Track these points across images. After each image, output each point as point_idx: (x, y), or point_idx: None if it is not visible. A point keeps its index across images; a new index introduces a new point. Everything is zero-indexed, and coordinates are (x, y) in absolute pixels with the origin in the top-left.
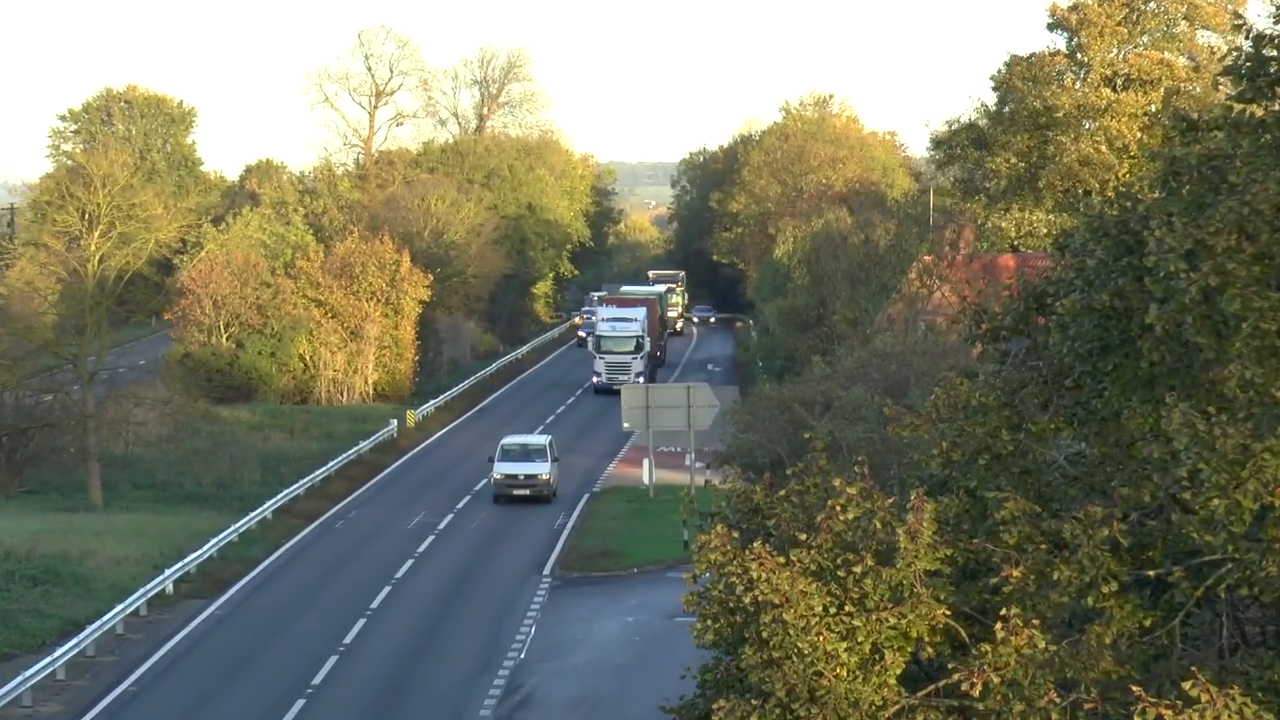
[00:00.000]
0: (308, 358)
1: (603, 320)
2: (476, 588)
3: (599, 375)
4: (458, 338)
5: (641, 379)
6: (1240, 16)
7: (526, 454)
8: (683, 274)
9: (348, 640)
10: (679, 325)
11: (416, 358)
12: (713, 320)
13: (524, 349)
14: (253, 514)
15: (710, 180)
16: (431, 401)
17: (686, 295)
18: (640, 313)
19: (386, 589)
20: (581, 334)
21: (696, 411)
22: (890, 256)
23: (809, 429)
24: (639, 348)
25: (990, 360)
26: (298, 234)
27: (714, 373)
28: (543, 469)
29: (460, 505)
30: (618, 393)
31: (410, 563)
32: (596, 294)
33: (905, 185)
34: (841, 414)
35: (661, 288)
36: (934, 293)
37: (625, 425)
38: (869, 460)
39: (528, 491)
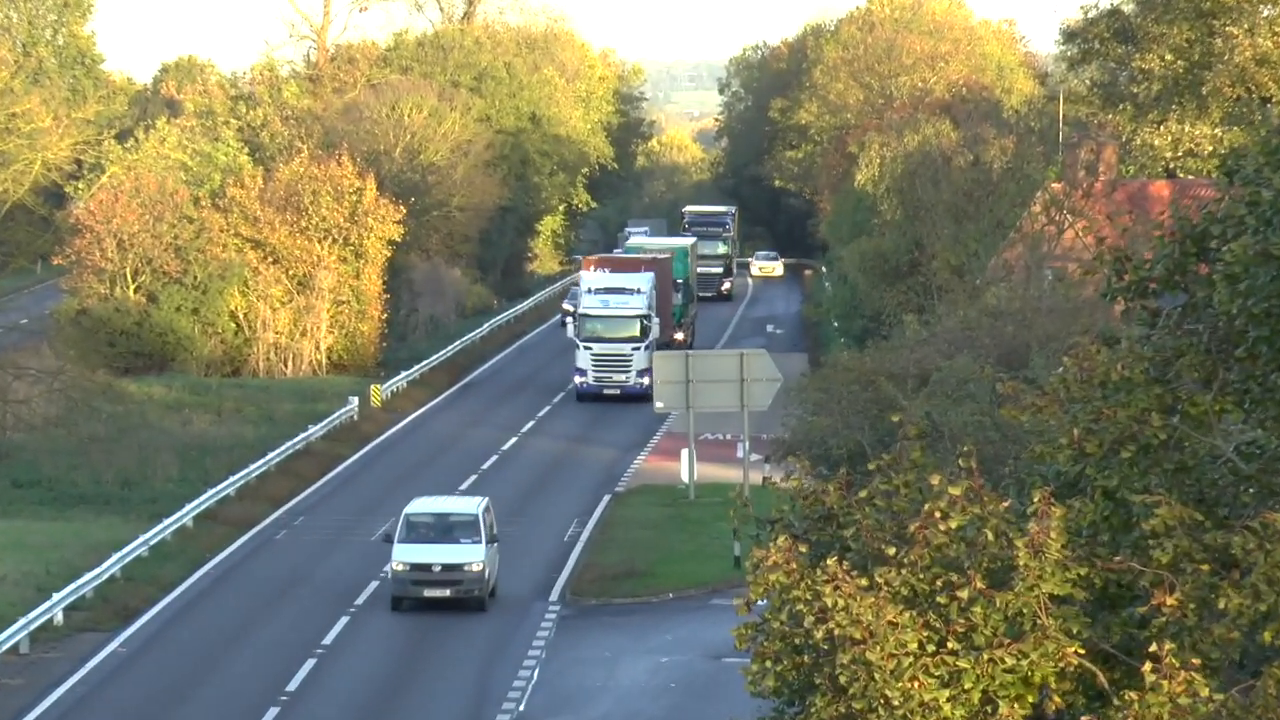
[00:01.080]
0: (241, 316)
1: (588, 292)
2: (461, 620)
3: (583, 374)
4: (438, 290)
5: (647, 379)
6: None
7: (446, 529)
8: (733, 211)
9: (291, 687)
10: (727, 286)
11: (384, 316)
12: (778, 272)
13: (525, 305)
14: (168, 521)
15: (771, 84)
16: (404, 373)
17: (737, 242)
18: (644, 280)
19: (343, 620)
20: (566, 308)
21: (753, 387)
22: (1007, 184)
23: (899, 410)
24: (643, 333)
25: (1137, 322)
26: (229, 154)
27: (776, 336)
28: (472, 555)
29: None
30: (615, 397)
31: (374, 585)
32: (631, 229)
33: (1026, 90)
34: (942, 391)
35: (684, 240)
36: (1064, 231)
37: (658, 405)
38: (978, 452)
39: (446, 592)
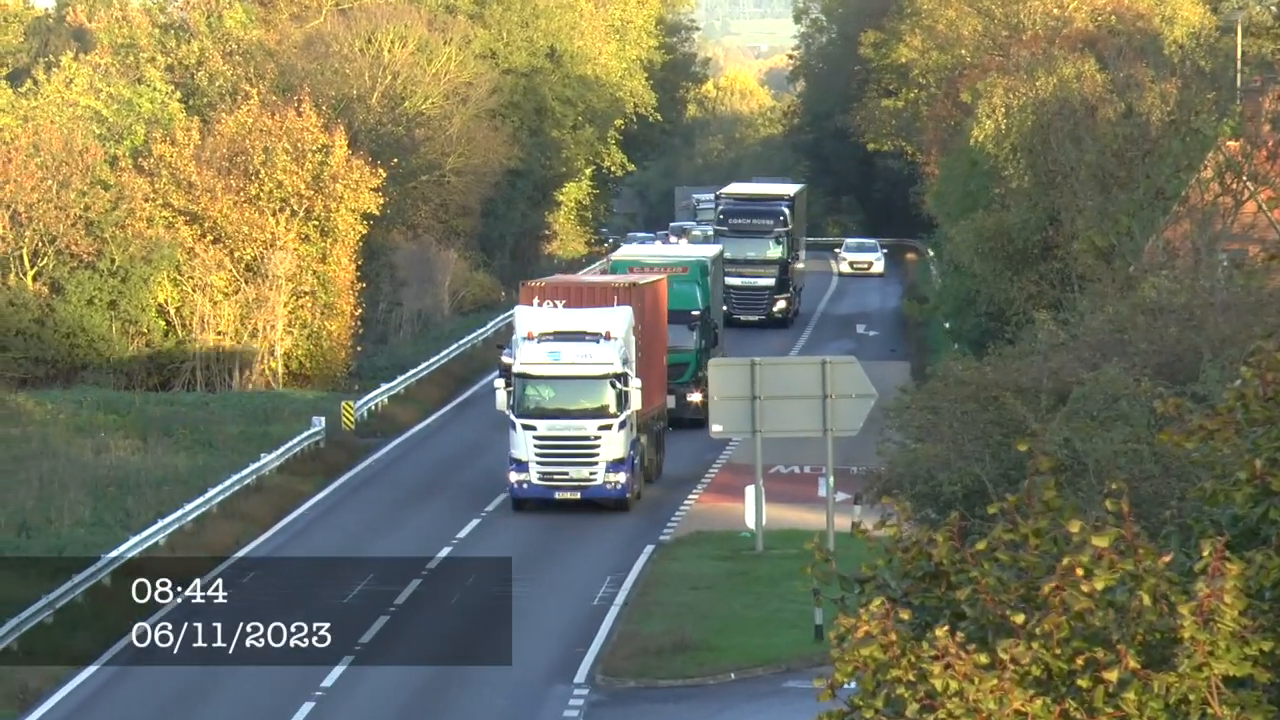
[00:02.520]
0: (173, 311)
1: (528, 340)
2: (458, 707)
3: (521, 470)
4: (428, 278)
5: (623, 476)
6: None
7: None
8: (792, 197)
9: None
10: (782, 306)
11: (358, 312)
12: (878, 268)
13: None
14: (79, 578)
15: (861, 11)
16: (384, 386)
17: (798, 240)
18: (617, 319)
19: (306, 706)
20: (507, 360)
21: (839, 406)
22: (1169, 141)
23: (1029, 436)
24: (617, 402)
25: None
26: (155, 100)
27: (868, 339)
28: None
29: (432, 564)
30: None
31: (347, 664)
32: (700, 194)
33: (1194, 20)
34: (1085, 411)
35: (702, 251)
36: (1243, 203)
37: (715, 429)
38: (1131, 490)
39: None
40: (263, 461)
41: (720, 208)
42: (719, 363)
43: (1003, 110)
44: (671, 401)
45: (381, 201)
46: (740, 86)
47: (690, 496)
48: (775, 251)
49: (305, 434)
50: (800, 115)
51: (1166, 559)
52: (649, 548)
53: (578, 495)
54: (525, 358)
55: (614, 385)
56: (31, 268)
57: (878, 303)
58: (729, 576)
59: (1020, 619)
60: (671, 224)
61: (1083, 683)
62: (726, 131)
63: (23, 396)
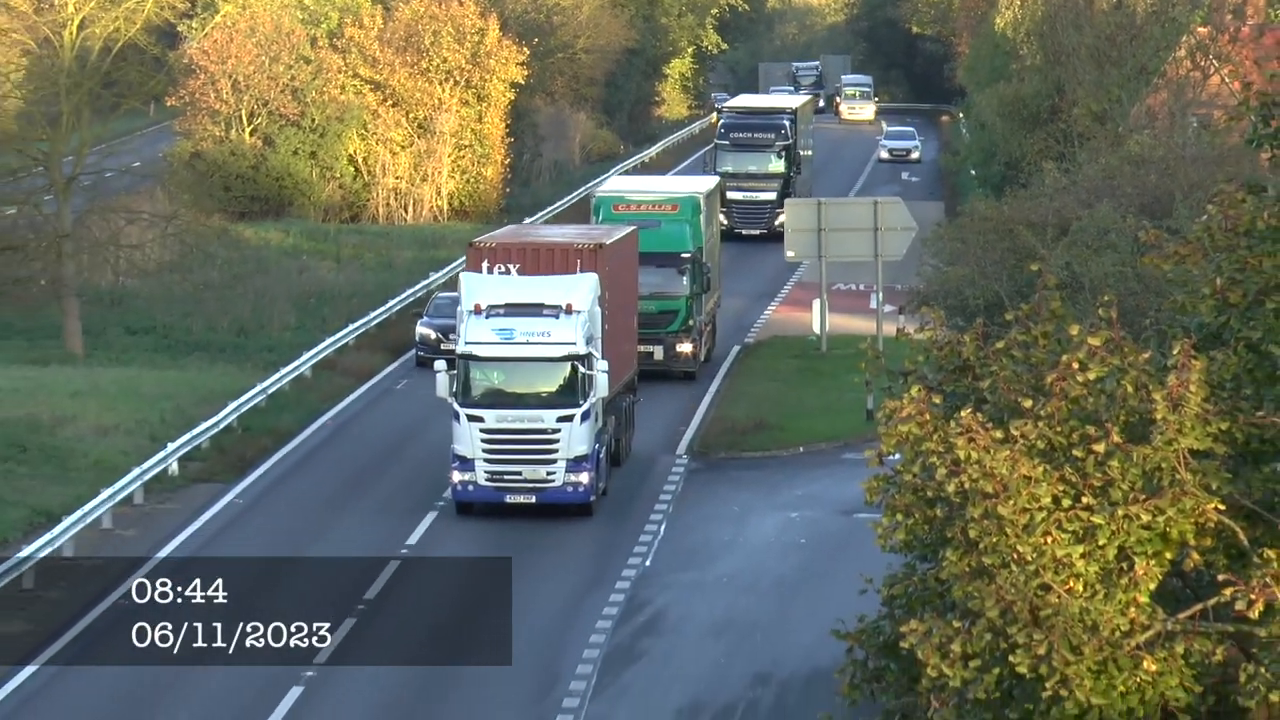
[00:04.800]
0: (360, 160)
1: (474, 314)
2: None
3: (466, 468)
4: (562, 134)
5: (586, 480)
6: None
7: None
8: (800, 105)
9: (411, 540)
10: (784, 219)
11: (507, 161)
12: (914, 153)
13: (653, 150)
14: (285, 370)
15: None
16: (527, 220)
17: (798, 154)
18: (579, 288)
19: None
20: (425, 331)
21: (887, 236)
22: (1151, 28)
23: (1038, 260)
24: (578, 387)
25: None
26: None
27: (911, 184)
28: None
29: None
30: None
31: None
32: (801, 65)
33: None
34: (1082, 240)
35: (694, 185)
36: (1209, 77)
37: (789, 254)
38: (1118, 302)
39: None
40: (429, 279)
41: (722, 122)
42: (794, 202)
43: (1019, 2)
44: (660, 353)
45: (526, 73)
46: None
47: (769, 308)
48: (777, 166)
49: (464, 258)
50: (858, 6)
51: (1145, 356)
52: (735, 348)
53: (532, 499)
54: (471, 336)
55: (576, 368)
56: (248, 125)
57: (918, 156)
58: (798, 371)
59: (1029, 403)
60: (771, 87)
61: (1078, 453)
62: (799, 19)
63: (242, 226)
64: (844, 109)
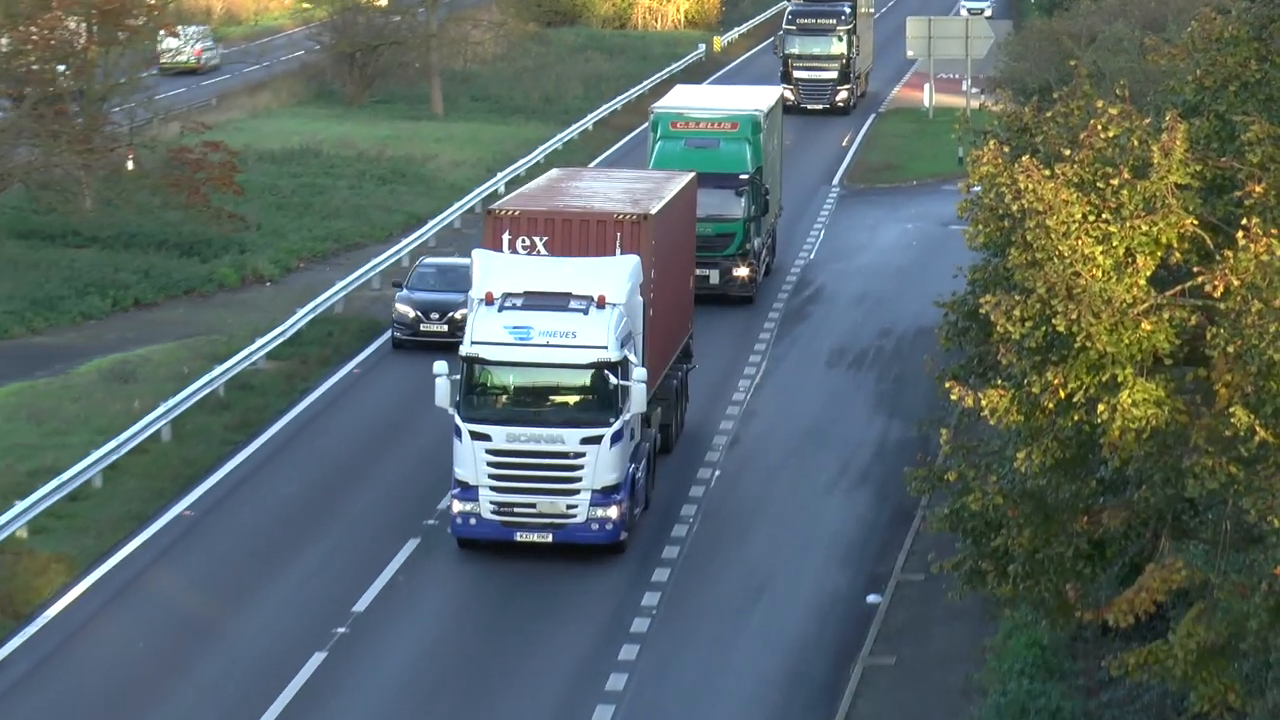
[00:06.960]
0: None
1: (486, 305)
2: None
3: (469, 498)
4: None
5: (615, 515)
6: None
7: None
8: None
9: None
10: (844, 97)
11: None
12: (986, 10)
13: None
14: (575, 125)
15: None
16: (736, 29)
17: (859, 37)
18: (616, 275)
19: None
20: (403, 309)
21: (973, 42)
22: None
23: (1075, 58)
24: (611, 400)
25: None
26: None
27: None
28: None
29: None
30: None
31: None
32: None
33: None
34: (1105, 46)
35: (756, 101)
36: None
37: (909, 53)
38: (1129, 87)
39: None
40: (670, 67)
41: (790, 9)
42: (914, 19)
43: None
44: (715, 277)
45: None
46: None
47: (895, 90)
48: (839, 48)
49: (693, 54)
50: None
51: (1147, 121)
52: (872, 116)
53: (549, 538)
54: (479, 333)
55: (607, 378)
56: None
57: None
58: (915, 132)
59: (1067, 152)
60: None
61: (1100, 185)
62: None
63: (548, 31)
64: None
